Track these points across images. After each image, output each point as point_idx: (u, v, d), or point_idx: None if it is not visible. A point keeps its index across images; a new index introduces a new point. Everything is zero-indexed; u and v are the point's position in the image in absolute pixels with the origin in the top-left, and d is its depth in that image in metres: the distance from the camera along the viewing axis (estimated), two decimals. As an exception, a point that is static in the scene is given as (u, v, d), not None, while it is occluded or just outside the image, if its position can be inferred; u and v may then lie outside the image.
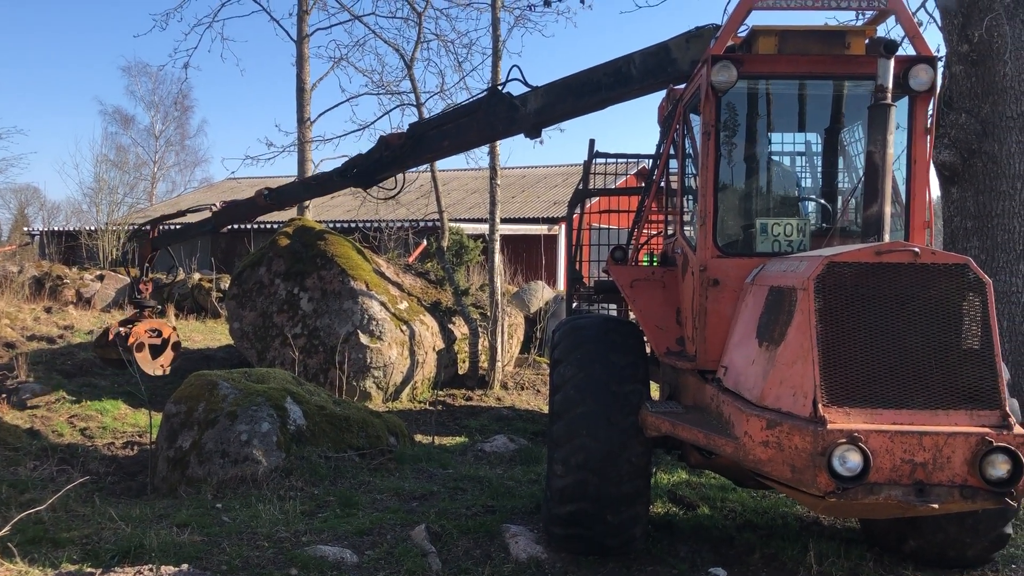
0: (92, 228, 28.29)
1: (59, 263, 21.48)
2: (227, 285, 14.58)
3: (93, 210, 40.29)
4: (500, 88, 8.03)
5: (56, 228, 31.19)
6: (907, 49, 5.35)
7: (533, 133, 7.97)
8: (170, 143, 52.65)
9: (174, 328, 10.86)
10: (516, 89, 7.97)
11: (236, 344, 11.81)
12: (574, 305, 8.87)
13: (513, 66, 8.05)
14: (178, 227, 12.08)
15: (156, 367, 10.35)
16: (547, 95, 7.67)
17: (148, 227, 11.05)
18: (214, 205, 10.64)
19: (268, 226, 25.31)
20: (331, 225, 18.40)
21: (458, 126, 8.43)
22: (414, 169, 14.88)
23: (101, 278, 18.00)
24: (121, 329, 10.15)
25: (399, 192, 10.04)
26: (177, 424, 7.33)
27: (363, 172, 9.29)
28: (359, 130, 14.88)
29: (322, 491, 6.76)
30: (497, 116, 7.99)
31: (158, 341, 10.40)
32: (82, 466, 7.82)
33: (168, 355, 10.54)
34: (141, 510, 6.25)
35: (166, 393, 9.07)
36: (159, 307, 10.58)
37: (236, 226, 26.10)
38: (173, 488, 7.00)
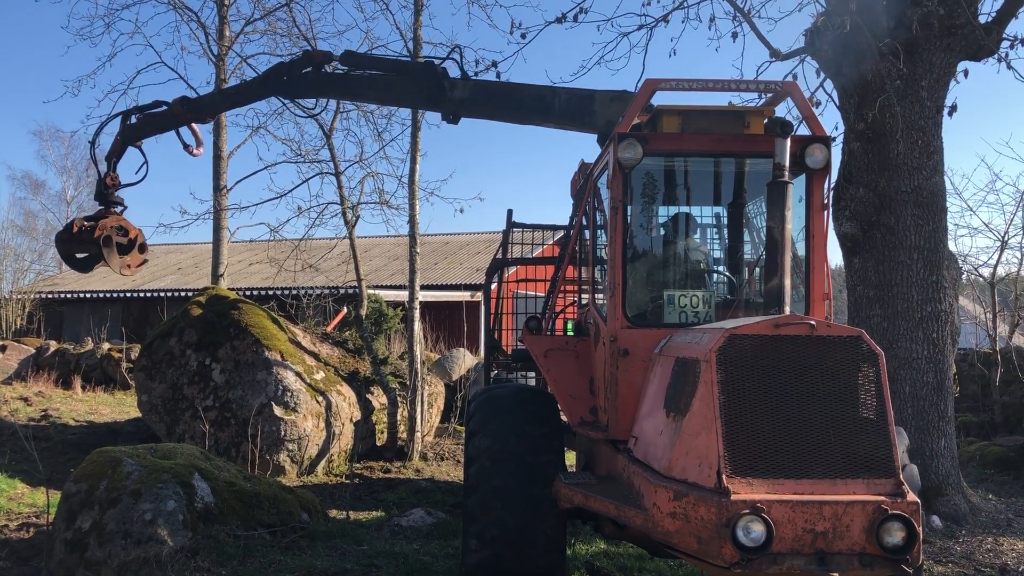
0: (-5, 296, 27.21)
1: (-42, 333, 20.55)
2: (137, 356, 14.10)
3: (-4, 277, 38.82)
4: (437, 64, 7.99)
5: (-44, 295, 29.81)
6: (805, 129, 5.62)
7: (451, 119, 7.95)
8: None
9: (140, 230, 10.07)
10: (453, 71, 7.97)
11: (145, 418, 11.40)
12: (493, 373, 8.87)
13: (456, 46, 8.07)
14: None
15: (123, 266, 9.61)
16: (475, 90, 7.71)
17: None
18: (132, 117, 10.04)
19: (181, 294, 24.77)
20: (247, 293, 18.12)
21: (386, 80, 8.31)
22: (332, 237, 14.79)
23: (3, 348, 17.29)
24: (86, 223, 9.47)
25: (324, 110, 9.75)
26: (77, 504, 6.98)
27: (287, 82, 8.95)
28: (276, 198, 14.57)
29: (230, 572, 6.50)
30: (422, 88, 7.94)
31: (124, 240, 9.70)
32: (-29, 551, 7.37)
33: (136, 256, 9.70)
34: (33, 598, 5.90)
35: (66, 471, 8.67)
36: (126, 206, 9.84)
37: (148, 294, 25.52)
38: (70, 573, 6.63)
